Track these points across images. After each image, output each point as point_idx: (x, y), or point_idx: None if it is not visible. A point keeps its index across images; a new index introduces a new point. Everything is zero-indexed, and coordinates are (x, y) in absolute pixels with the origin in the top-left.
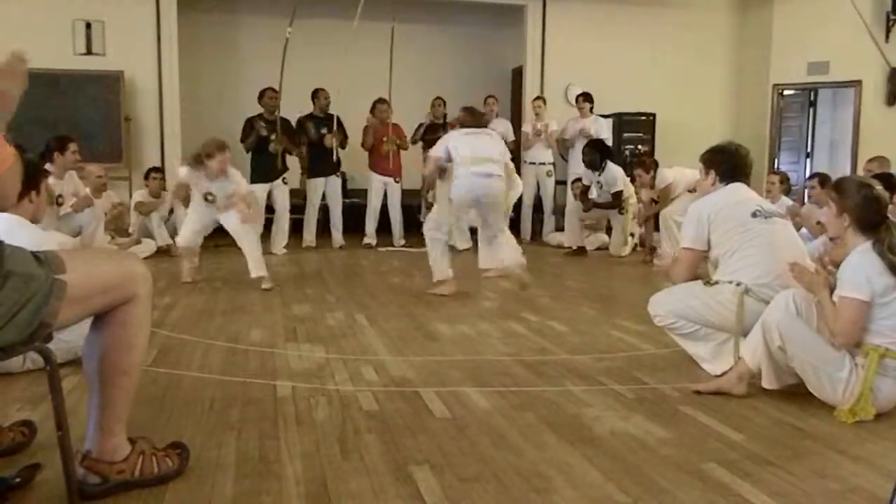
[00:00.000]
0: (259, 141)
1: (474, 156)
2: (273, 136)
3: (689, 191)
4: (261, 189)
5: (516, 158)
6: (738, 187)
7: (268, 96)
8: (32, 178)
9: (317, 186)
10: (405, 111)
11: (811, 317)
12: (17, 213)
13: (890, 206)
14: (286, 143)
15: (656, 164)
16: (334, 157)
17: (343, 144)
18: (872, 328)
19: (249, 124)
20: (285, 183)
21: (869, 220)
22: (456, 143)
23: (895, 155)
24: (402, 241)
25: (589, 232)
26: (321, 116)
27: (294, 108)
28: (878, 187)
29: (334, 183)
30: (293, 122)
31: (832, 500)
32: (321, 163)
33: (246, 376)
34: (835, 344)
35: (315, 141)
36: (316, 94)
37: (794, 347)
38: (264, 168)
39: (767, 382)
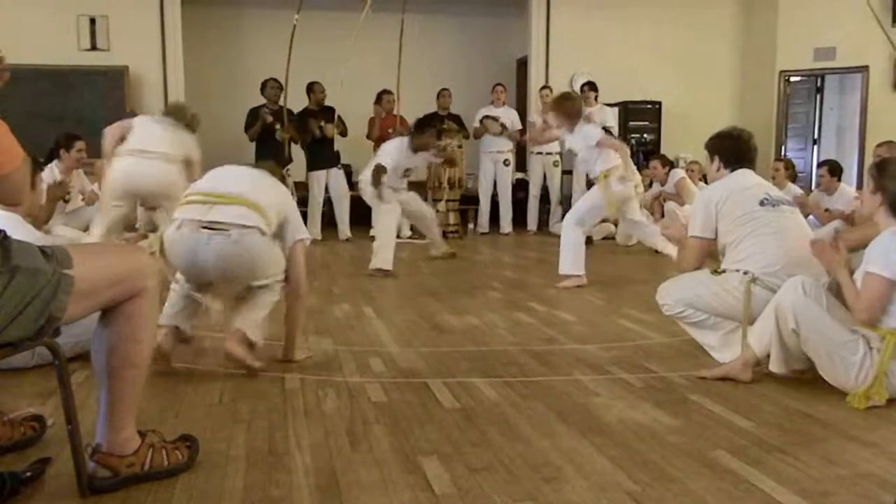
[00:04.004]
0: (265, 129)
1: None
2: (278, 125)
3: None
4: None
5: (523, 148)
6: (745, 173)
7: (270, 86)
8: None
9: (318, 179)
10: (409, 103)
11: (821, 302)
12: (13, 210)
13: None
14: (292, 131)
15: (672, 164)
16: (334, 150)
17: (343, 133)
18: (892, 310)
19: (254, 113)
20: (289, 175)
21: None
22: None
23: None
24: (409, 233)
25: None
26: (316, 110)
27: (302, 100)
28: None
29: (337, 175)
30: (297, 115)
31: (842, 485)
32: (321, 156)
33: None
34: (860, 320)
35: (315, 135)
36: (311, 87)
37: (807, 330)
38: (270, 159)
39: (775, 366)
